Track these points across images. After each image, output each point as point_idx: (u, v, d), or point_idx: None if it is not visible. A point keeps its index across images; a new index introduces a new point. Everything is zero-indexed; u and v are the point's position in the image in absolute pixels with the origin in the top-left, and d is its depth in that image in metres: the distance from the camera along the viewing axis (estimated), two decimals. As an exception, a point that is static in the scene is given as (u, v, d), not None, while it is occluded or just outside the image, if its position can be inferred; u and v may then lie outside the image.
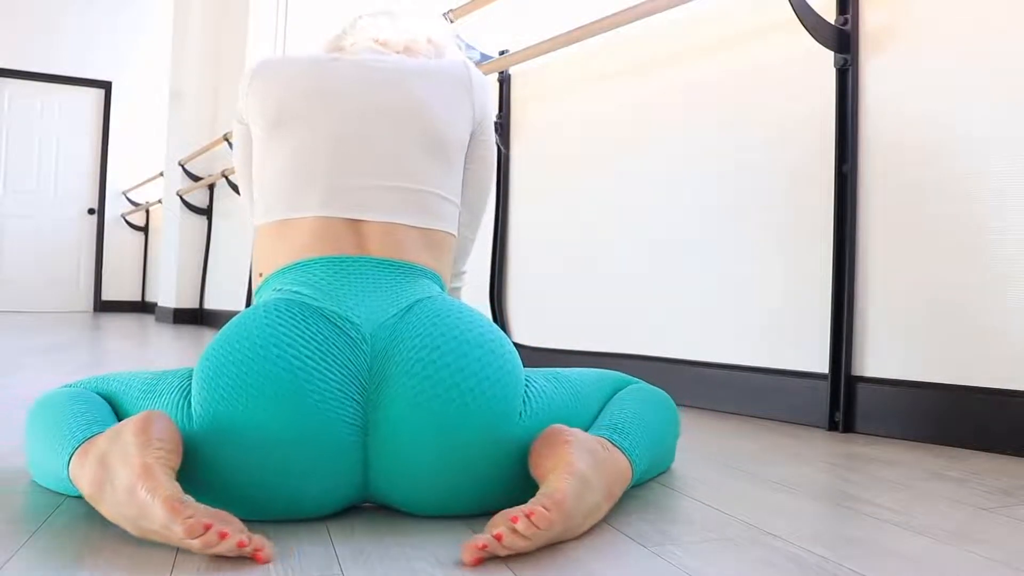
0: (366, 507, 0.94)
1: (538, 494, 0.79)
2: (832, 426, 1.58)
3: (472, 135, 1.15)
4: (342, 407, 0.84)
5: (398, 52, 1.19)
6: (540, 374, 0.99)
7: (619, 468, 0.90)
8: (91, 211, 7.26)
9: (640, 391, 1.11)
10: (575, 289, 2.33)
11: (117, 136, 7.31)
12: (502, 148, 2.63)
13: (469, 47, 1.36)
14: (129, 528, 0.75)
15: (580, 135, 2.36)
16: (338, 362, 0.85)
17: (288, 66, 1.10)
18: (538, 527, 0.74)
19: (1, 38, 6.78)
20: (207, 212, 5.64)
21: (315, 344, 0.85)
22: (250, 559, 0.73)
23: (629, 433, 0.96)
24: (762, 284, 1.80)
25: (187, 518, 0.70)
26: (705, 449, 1.36)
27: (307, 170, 1.02)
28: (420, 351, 0.86)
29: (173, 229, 5.72)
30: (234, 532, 0.71)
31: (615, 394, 1.10)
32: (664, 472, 1.16)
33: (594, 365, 2.18)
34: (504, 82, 2.66)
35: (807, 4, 1.56)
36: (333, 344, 0.86)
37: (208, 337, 4.17)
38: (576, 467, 0.81)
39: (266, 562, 0.72)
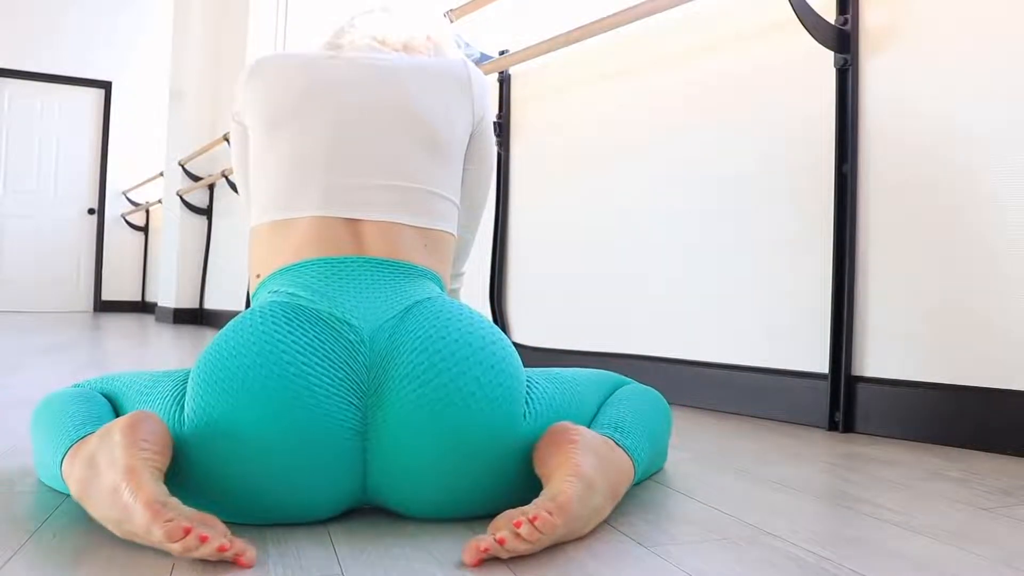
0: (366, 508, 0.94)
1: (542, 496, 0.79)
2: (832, 426, 1.58)
3: (472, 134, 1.15)
4: (340, 412, 0.83)
5: (397, 50, 1.18)
6: (540, 375, 0.98)
7: (623, 468, 0.90)
8: (91, 211, 7.26)
9: (636, 391, 1.11)
10: (575, 289, 2.33)
11: (117, 136, 7.31)
12: (500, 153, 2.64)
13: (468, 46, 1.35)
14: (114, 530, 0.74)
15: (580, 135, 2.36)
16: (336, 366, 0.84)
17: (285, 64, 1.09)
18: (541, 532, 0.74)
19: (1, 38, 6.79)
20: (207, 212, 5.64)
21: (313, 348, 0.84)
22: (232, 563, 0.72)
23: (631, 432, 0.96)
24: (762, 284, 1.80)
25: (167, 521, 0.69)
26: (705, 449, 1.36)
27: (304, 169, 1.01)
28: (420, 355, 0.85)
29: (173, 229, 5.72)
30: (215, 536, 0.70)
31: (611, 394, 1.10)
32: (658, 471, 1.16)
33: (594, 365, 2.18)
34: (504, 82, 2.66)
35: (807, 4, 1.56)
36: (331, 348, 0.85)
37: (208, 337, 4.17)
38: (581, 469, 0.81)
39: (248, 566, 0.71)
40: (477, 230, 1.27)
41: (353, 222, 0.99)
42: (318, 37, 1.25)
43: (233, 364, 0.82)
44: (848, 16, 1.59)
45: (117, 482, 0.73)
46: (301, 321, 0.86)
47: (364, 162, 1.02)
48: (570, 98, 2.40)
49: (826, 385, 1.61)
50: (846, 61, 1.59)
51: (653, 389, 1.16)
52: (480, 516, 0.89)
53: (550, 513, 0.75)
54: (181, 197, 5.60)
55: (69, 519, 0.86)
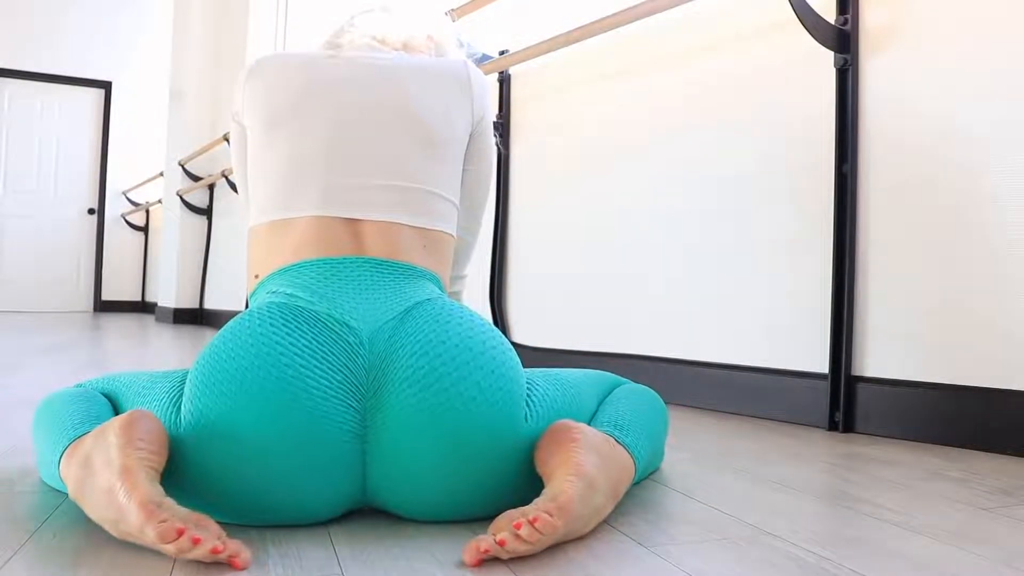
0: (366, 508, 0.93)
1: (543, 496, 0.79)
2: (832, 426, 1.58)
3: (471, 134, 1.14)
4: (339, 414, 0.82)
5: (397, 49, 1.17)
6: (539, 376, 0.98)
7: (624, 466, 0.90)
8: (91, 211, 7.26)
9: (634, 390, 1.11)
10: (575, 289, 2.33)
11: (117, 136, 7.31)
12: (502, 149, 2.63)
13: (469, 46, 1.35)
14: (110, 529, 0.74)
15: (580, 135, 2.36)
16: (335, 368, 0.83)
17: (284, 64, 1.09)
18: (542, 533, 0.74)
19: (1, 38, 6.79)
20: (207, 212, 5.64)
21: (311, 350, 0.83)
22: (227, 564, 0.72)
23: (631, 430, 0.96)
24: (762, 284, 1.80)
25: (160, 522, 0.68)
26: (705, 449, 1.36)
27: (303, 169, 1.01)
28: (420, 358, 0.84)
29: (173, 229, 5.72)
30: (208, 538, 0.69)
31: (609, 394, 1.10)
32: (656, 471, 1.16)
33: (594, 365, 2.18)
34: (504, 82, 2.66)
35: (807, 4, 1.56)
36: (330, 350, 0.84)
37: (208, 337, 4.17)
38: (583, 468, 0.81)
39: (243, 568, 0.71)
40: (479, 232, 1.26)
41: (352, 222, 0.99)
42: (318, 37, 1.25)
43: (231, 366, 0.82)
44: (848, 16, 1.59)
45: (112, 482, 0.72)
46: (300, 322, 0.85)
47: (363, 162, 1.01)
48: (570, 98, 2.40)
49: (826, 385, 1.61)
50: (846, 61, 1.59)
51: (649, 388, 1.16)
52: (481, 518, 0.89)
53: (551, 514, 0.75)
54: (181, 197, 5.60)
55: (69, 519, 0.86)
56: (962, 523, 0.91)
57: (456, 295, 1.26)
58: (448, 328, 0.87)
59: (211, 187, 5.58)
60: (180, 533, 0.68)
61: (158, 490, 0.72)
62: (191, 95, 5.63)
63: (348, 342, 0.86)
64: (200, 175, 5.55)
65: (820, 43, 1.59)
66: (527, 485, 0.87)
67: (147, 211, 7.42)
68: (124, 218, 7.40)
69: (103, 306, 7.33)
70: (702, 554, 0.79)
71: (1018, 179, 1.38)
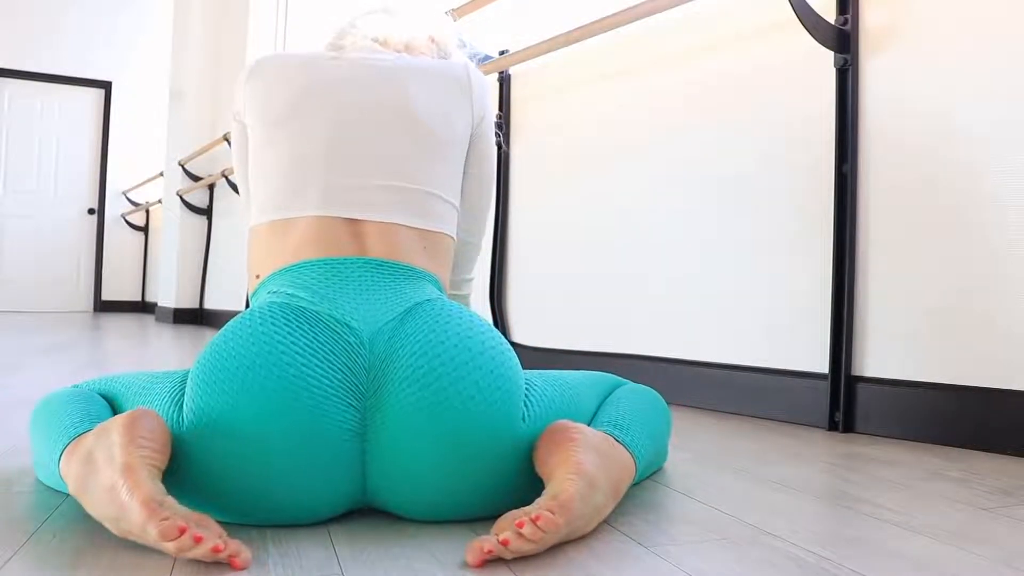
0: (366, 508, 0.93)
1: (544, 496, 0.79)
2: (832, 426, 1.58)
3: (472, 136, 1.15)
4: (339, 413, 0.82)
5: (398, 51, 1.18)
6: (538, 377, 0.98)
7: (624, 465, 0.90)
8: (91, 211, 7.26)
9: (634, 390, 1.11)
10: (575, 289, 2.33)
11: (117, 136, 7.31)
12: (503, 146, 2.63)
13: (472, 48, 1.36)
14: (111, 527, 0.74)
15: (580, 135, 2.36)
16: (335, 367, 0.84)
17: (286, 64, 1.09)
18: (544, 531, 0.74)
19: (1, 38, 6.79)
20: (207, 212, 5.64)
21: (312, 350, 0.83)
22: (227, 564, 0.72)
23: (631, 430, 0.96)
24: (762, 284, 1.80)
25: (162, 520, 0.68)
26: (705, 449, 1.36)
27: (304, 169, 1.01)
28: (419, 358, 0.84)
29: (173, 229, 5.72)
30: (210, 537, 0.70)
31: (609, 394, 1.10)
32: (658, 471, 1.16)
33: (594, 365, 2.18)
34: (504, 82, 2.66)
35: (807, 4, 1.56)
36: (330, 350, 0.84)
37: (208, 337, 4.17)
38: (583, 467, 0.81)
39: (243, 568, 0.71)
40: (483, 234, 1.25)
41: (353, 222, 0.99)
42: (321, 38, 1.25)
43: (232, 364, 0.82)
44: (848, 16, 1.59)
45: (114, 480, 0.72)
46: (301, 322, 0.86)
47: (363, 162, 1.02)
48: (570, 98, 2.40)
49: (826, 385, 1.61)
50: (846, 61, 1.59)
51: (651, 388, 1.16)
52: (480, 518, 0.89)
53: (552, 512, 0.75)
54: (181, 197, 5.60)
55: (69, 519, 0.86)
56: (962, 523, 0.91)
57: (463, 298, 1.25)
58: (447, 328, 0.87)
59: (211, 187, 5.58)
60: (182, 531, 0.68)
61: (160, 488, 0.73)
62: (191, 95, 5.63)
63: (349, 342, 0.86)
64: (200, 175, 5.55)
65: (820, 43, 1.59)
66: (526, 485, 0.88)
67: (147, 211, 7.42)
68: (124, 218, 7.40)
69: (103, 306, 7.32)
70: (702, 554, 0.79)
71: (1018, 179, 1.38)
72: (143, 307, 7.48)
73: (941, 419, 1.44)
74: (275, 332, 0.84)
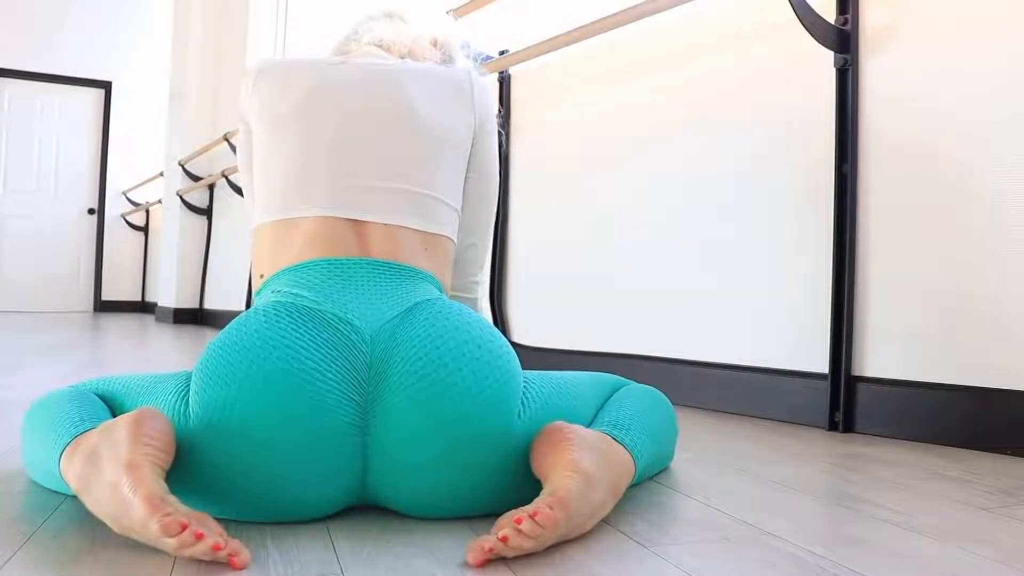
0: (366, 506, 0.93)
1: (542, 493, 0.79)
2: (832, 426, 1.58)
3: (474, 141, 1.16)
4: (341, 407, 0.84)
5: (403, 56, 1.20)
6: (537, 376, 0.99)
7: (622, 463, 0.90)
8: (91, 211, 7.26)
9: (637, 391, 1.11)
10: (575, 289, 2.33)
11: (117, 136, 7.31)
12: (502, 133, 2.62)
13: (474, 49, 1.37)
14: (112, 525, 0.75)
15: (580, 135, 2.36)
16: (337, 363, 0.85)
17: (292, 67, 1.11)
18: (543, 527, 0.74)
19: (1, 38, 6.78)
20: (207, 212, 5.64)
21: (315, 345, 0.85)
22: (227, 564, 0.72)
23: (630, 429, 0.96)
24: (762, 284, 1.80)
25: (164, 516, 0.69)
26: (705, 449, 1.36)
27: (309, 170, 1.03)
28: (419, 350, 0.86)
29: (173, 229, 5.72)
30: (210, 535, 0.70)
31: (611, 395, 1.10)
32: (663, 471, 1.16)
33: (594, 365, 2.18)
34: (504, 82, 2.66)
35: (807, 4, 1.56)
36: (333, 346, 0.86)
37: (208, 337, 4.17)
38: (580, 465, 0.81)
39: (242, 568, 0.71)
40: (488, 236, 1.25)
41: (356, 223, 1.00)
42: (327, 43, 1.27)
43: (235, 359, 0.83)
44: (848, 16, 1.59)
45: (118, 476, 0.73)
46: (304, 320, 0.87)
47: (367, 164, 1.03)
48: (570, 98, 2.40)
49: (826, 385, 1.61)
50: (846, 61, 1.59)
51: (655, 389, 1.16)
52: (479, 515, 0.89)
53: (551, 508, 0.75)
54: (181, 197, 5.60)
55: (69, 519, 0.86)
56: (962, 523, 0.91)
57: (472, 301, 1.25)
58: (446, 325, 0.89)
59: (211, 187, 5.58)
60: (183, 527, 0.69)
61: (163, 487, 0.73)
62: (191, 95, 5.63)
63: (351, 339, 0.87)
64: (200, 175, 5.55)
65: (820, 43, 1.59)
66: (524, 484, 0.88)
67: (147, 211, 7.42)
68: (124, 218, 7.40)
69: (103, 306, 7.32)
70: (702, 554, 0.79)
71: (1018, 179, 1.38)
72: (143, 307, 7.48)
73: (941, 419, 1.44)
74: (279, 328, 0.85)
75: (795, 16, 1.55)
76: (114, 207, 7.35)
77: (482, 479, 0.87)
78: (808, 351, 1.69)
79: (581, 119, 2.35)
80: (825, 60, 1.65)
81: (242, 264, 4.84)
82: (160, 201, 6.56)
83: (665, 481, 1.11)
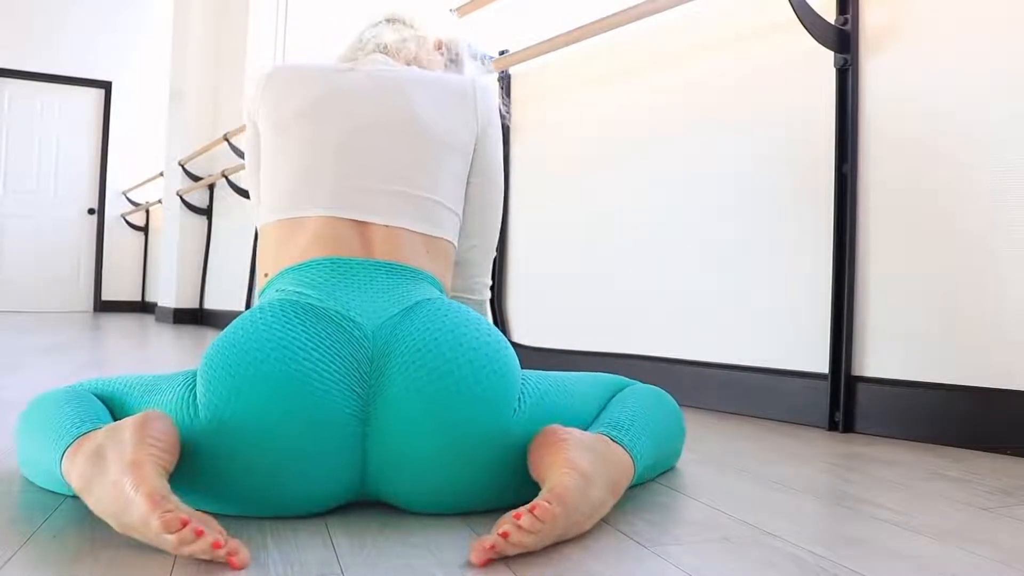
0: (366, 506, 0.94)
1: (541, 492, 0.80)
2: (832, 426, 1.58)
3: (476, 146, 1.17)
4: (343, 399, 0.86)
5: (408, 61, 1.23)
6: (536, 375, 1.00)
7: (620, 463, 0.91)
8: (91, 211, 7.26)
9: (640, 391, 1.11)
10: (575, 289, 2.34)
11: (117, 136, 7.31)
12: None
13: (480, 49, 1.38)
14: (113, 523, 0.75)
15: (580, 135, 2.36)
16: (340, 356, 0.87)
17: (301, 73, 1.14)
18: (542, 521, 0.75)
19: (1, 38, 6.78)
20: (207, 212, 5.64)
21: (317, 340, 0.87)
22: (227, 564, 0.72)
23: (629, 430, 0.97)
24: (762, 284, 1.80)
25: (165, 512, 0.70)
26: (705, 449, 1.36)
27: (315, 171, 1.06)
28: (419, 343, 0.89)
29: (173, 229, 5.72)
30: (210, 532, 0.71)
31: (614, 396, 1.10)
32: (668, 471, 1.16)
33: (594, 365, 2.18)
34: (504, 82, 2.66)
35: (807, 4, 1.56)
36: (335, 340, 0.88)
37: (208, 337, 4.17)
38: (577, 463, 0.82)
39: (240, 567, 0.72)
40: (493, 239, 1.25)
41: (359, 224, 1.03)
42: (324, 41, 1.30)
43: (238, 353, 0.86)
44: (848, 16, 1.59)
45: (121, 474, 0.74)
46: (306, 316, 0.90)
47: (371, 167, 1.06)
48: (570, 98, 2.40)
49: (826, 385, 1.61)
50: (846, 61, 1.59)
51: (660, 389, 1.16)
52: (477, 512, 0.90)
53: (549, 503, 0.76)
54: (181, 197, 5.60)
55: (69, 519, 0.86)
56: (962, 523, 0.91)
57: (478, 304, 1.26)
58: (446, 321, 0.92)
59: (211, 187, 5.58)
60: (184, 523, 0.70)
61: (165, 486, 0.74)
62: (191, 95, 5.63)
63: (353, 335, 0.90)
64: (200, 175, 5.55)
65: (820, 43, 1.59)
66: (522, 486, 0.89)
67: (147, 211, 7.42)
68: (124, 218, 7.40)
69: (103, 306, 7.32)
70: (702, 554, 0.79)
71: (1018, 179, 1.37)
72: (143, 307, 7.48)
73: (941, 419, 1.44)
74: (284, 324, 0.88)
75: (795, 16, 1.55)
76: (114, 207, 7.35)
77: (478, 472, 0.88)
78: (808, 351, 1.69)
79: (581, 119, 2.35)
80: (825, 60, 1.65)
81: (242, 264, 4.84)
82: (160, 201, 6.55)
83: (665, 481, 1.11)
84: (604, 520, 0.89)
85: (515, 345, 2.51)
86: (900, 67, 1.55)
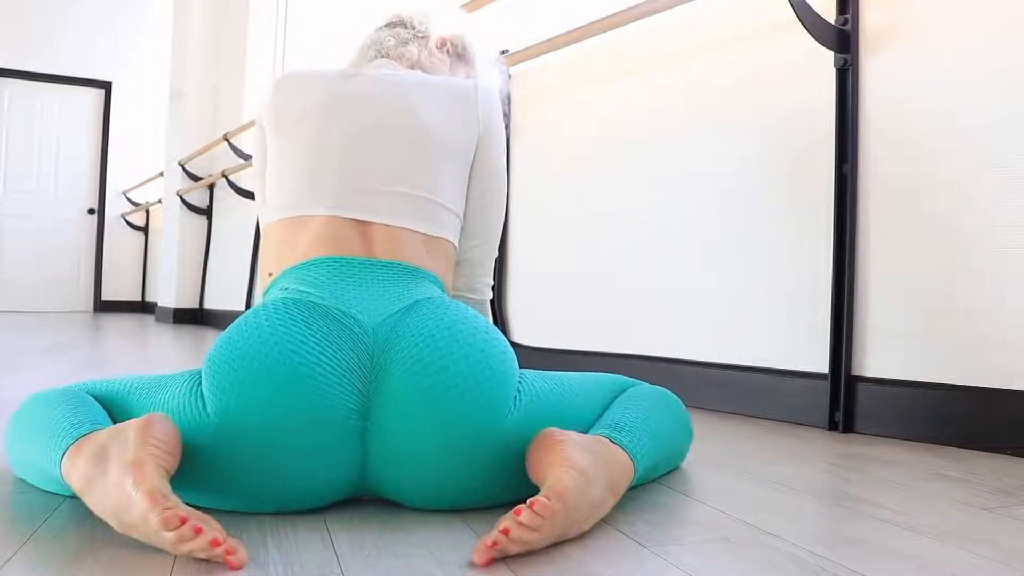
0: (366, 505, 0.94)
1: (541, 491, 0.80)
2: (832, 426, 1.58)
3: (477, 148, 1.18)
4: (344, 393, 0.87)
5: (412, 65, 1.25)
6: (535, 374, 1.01)
7: (619, 463, 0.91)
8: (91, 211, 7.26)
9: (643, 391, 1.12)
10: (575, 289, 2.33)
11: (117, 136, 7.31)
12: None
13: (497, 48, 1.41)
14: (112, 522, 0.76)
15: (580, 135, 2.36)
16: (340, 352, 0.89)
17: (309, 79, 1.17)
18: (542, 516, 0.75)
19: (1, 38, 6.78)
20: (207, 212, 5.63)
21: (319, 336, 0.89)
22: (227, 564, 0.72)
23: (629, 431, 0.97)
24: (762, 284, 1.80)
25: (165, 509, 0.71)
26: (706, 449, 1.36)
27: (318, 172, 1.08)
28: (418, 339, 0.90)
29: (173, 229, 5.72)
30: (209, 530, 0.72)
31: (618, 396, 1.10)
32: (672, 471, 1.16)
33: (594, 365, 2.18)
34: (504, 82, 2.66)
35: (807, 4, 1.56)
36: (336, 337, 0.90)
37: (208, 337, 4.17)
38: (575, 461, 0.83)
39: (238, 567, 0.72)
40: (495, 240, 1.26)
41: (361, 223, 1.05)
42: (325, 41, 1.33)
43: (241, 350, 0.88)
44: (848, 16, 1.59)
45: (123, 474, 0.75)
46: (308, 314, 0.92)
47: (373, 168, 1.08)
48: (570, 98, 2.40)
49: (826, 385, 1.61)
50: (846, 61, 1.59)
51: (665, 389, 1.16)
52: (475, 510, 0.91)
53: (548, 499, 0.77)
54: (181, 197, 5.60)
55: (69, 519, 0.86)
56: (962, 523, 0.91)
57: (479, 303, 1.26)
58: (444, 319, 0.93)
59: (211, 187, 5.58)
60: (183, 521, 0.71)
61: (166, 485, 0.75)
62: (191, 95, 5.63)
63: (354, 332, 0.92)
64: (200, 175, 5.55)
65: (820, 43, 1.59)
66: (516, 479, 0.90)
67: (147, 211, 7.42)
68: (124, 218, 7.40)
69: (103, 306, 7.32)
70: (702, 554, 0.79)
71: (1018, 179, 1.37)
72: (143, 307, 7.48)
73: (941, 419, 1.44)
74: (286, 321, 0.90)
75: (795, 16, 1.55)
76: (114, 207, 7.35)
77: (474, 469, 0.90)
78: (808, 351, 1.69)
79: (581, 119, 2.35)
80: (825, 60, 1.65)
81: (242, 264, 4.84)
82: (160, 201, 6.55)
83: (665, 481, 1.11)
84: (604, 520, 0.89)
85: (515, 345, 2.51)
86: (900, 67, 1.55)
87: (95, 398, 0.99)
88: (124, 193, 7.34)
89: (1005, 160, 1.39)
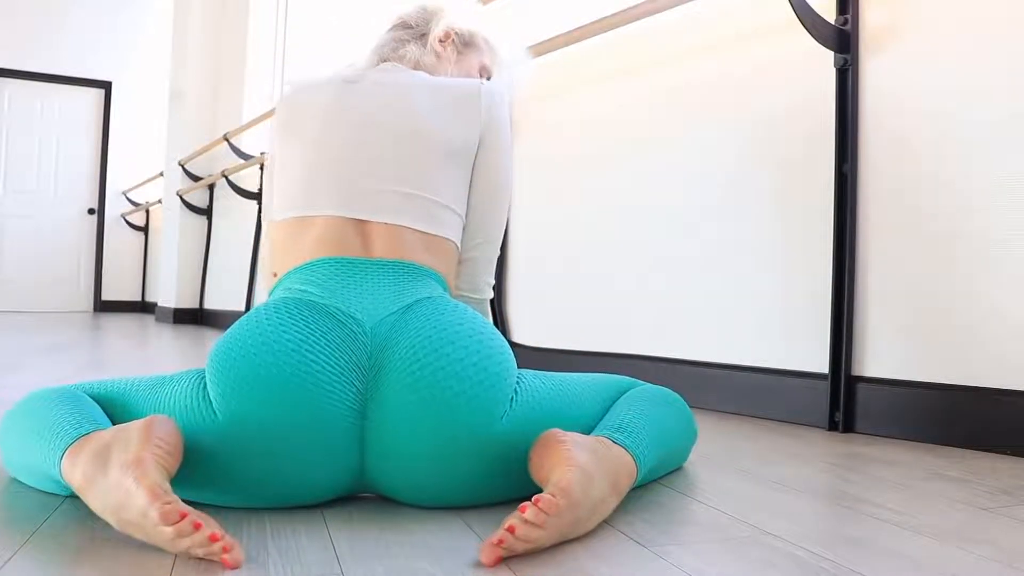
0: (366, 505, 0.94)
1: (545, 490, 0.81)
2: (832, 426, 1.58)
3: (480, 147, 1.19)
4: (343, 391, 0.89)
5: (415, 65, 1.27)
6: (534, 374, 1.01)
7: (622, 463, 0.91)
8: (91, 211, 7.26)
9: (645, 391, 1.12)
10: (575, 289, 2.33)
11: (117, 136, 7.31)
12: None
13: (517, 41, 1.42)
14: (112, 521, 0.76)
15: (580, 135, 2.36)
16: (339, 351, 0.91)
17: (315, 84, 1.20)
18: (547, 513, 0.76)
19: (1, 38, 6.78)
20: (207, 212, 5.63)
21: (318, 335, 0.91)
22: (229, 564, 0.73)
23: (631, 431, 0.97)
24: (762, 284, 1.80)
25: (165, 503, 0.71)
26: (706, 449, 1.36)
27: (321, 173, 1.10)
28: (416, 338, 0.92)
29: (173, 229, 5.71)
30: (208, 526, 0.72)
31: (619, 397, 1.10)
32: (675, 471, 1.16)
33: (594, 365, 2.18)
34: (504, 82, 2.66)
35: (807, 4, 1.56)
36: (335, 335, 0.92)
37: (208, 337, 4.17)
38: (577, 461, 0.83)
39: (234, 566, 0.72)
40: (496, 239, 1.25)
41: (361, 223, 1.07)
42: (326, 41, 1.36)
43: (242, 348, 0.89)
44: (848, 16, 1.59)
45: (123, 471, 0.75)
46: (307, 313, 0.93)
47: (373, 169, 1.10)
48: (570, 98, 2.40)
49: (826, 385, 1.61)
50: (846, 61, 1.59)
51: (668, 389, 1.16)
52: (474, 508, 0.91)
53: (552, 495, 0.77)
54: (181, 197, 5.60)
55: (69, 519, 0.86)
56: (962, 523, 0.91)
57: (479, 303, 1.26)
58: (442, 318, 0.95)
59: (211, 187, 5.58)
60: (183, 516, 0.71)
61: (167, 483, 0.76)
62: (191, 95, 5.63)
63: (353, 330, 0.93)
64: (200, 175, 5.55)
65: (820, 43, 1.59)
66: (514, 478, 0.91)
67: (147, 211, 7.42)
68: (124, 218, 7.40)
69: (103, 306, 7.32)
70: (702, 554, 0.79)
71: (1018, 179, 1.37)
72: (143, 307, 7.48)
73: (941, 419, 1.44)
74: (286, 320, 0.92)
75: (795, 16, 1.55)
76: (114, 207, 7.35)
77: (470, 468, 0.90)
78: (808, 351, 1.69)
79: (581, 119, 2.35)
80: (825, 60, 1.65)
81: (242, 264, 4.84)
82: (160, 201, 6.55)
83: (665, 481, 1.11)
84: (605, 520, 0.89)
85: (515, 345, 2.51)
86: (900, 67, 1.55)
87: (93, 399, 0.99)
88: (124, 193, 7.33)
89: (1005, 160, 1.39)
